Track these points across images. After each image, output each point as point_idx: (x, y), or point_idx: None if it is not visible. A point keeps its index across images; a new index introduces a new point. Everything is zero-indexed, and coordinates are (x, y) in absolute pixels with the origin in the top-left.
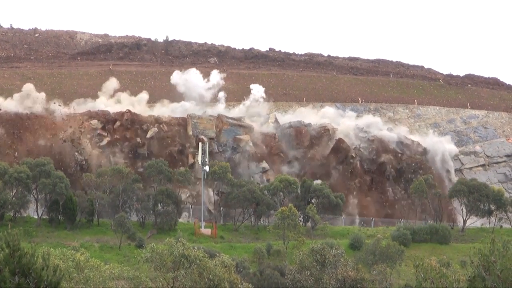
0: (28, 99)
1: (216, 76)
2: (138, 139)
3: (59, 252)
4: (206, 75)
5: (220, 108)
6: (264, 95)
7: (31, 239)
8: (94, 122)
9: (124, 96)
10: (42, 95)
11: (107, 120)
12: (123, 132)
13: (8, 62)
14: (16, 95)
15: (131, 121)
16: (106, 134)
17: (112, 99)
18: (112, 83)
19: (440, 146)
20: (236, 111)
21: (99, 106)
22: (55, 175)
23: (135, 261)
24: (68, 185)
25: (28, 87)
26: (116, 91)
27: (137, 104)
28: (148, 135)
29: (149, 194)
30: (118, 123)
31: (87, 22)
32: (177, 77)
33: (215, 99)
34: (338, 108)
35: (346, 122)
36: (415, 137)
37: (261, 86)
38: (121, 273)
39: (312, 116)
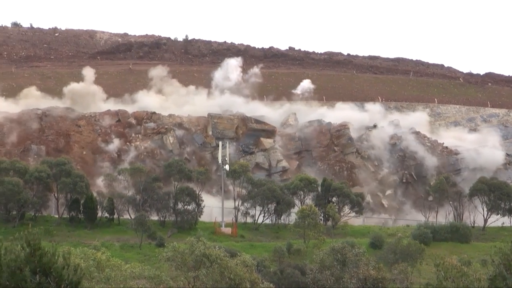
0: (86, 96)
1: (256, 71)
2: (158, 139)
3: (80, 251)
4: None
5: (263, 106)
6: (312, 92)
7: (52, 238)
8: (113, 122)
9: (177, 91)
10: (98, 90)
11: (128, 122)
12: (143, 132)
13: (28, 62)
14: (70, 89)
15: (152, 121)
16: (125, 134)
17: (160, 96)
18: (159, 70)
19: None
20: (282, 110)
21: (147, 104)
22: (75, 174)
23: (156, 260)
24: (88, 184)
25: (89, 72)
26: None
27: (190, 100)
28: (170, 141)
29: (169, 192)
30: (137, 123)
31: (106, 21)
32: (217, 73)
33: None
34: (385, 107)
35: (385, 126)
36: (446, 139)
37: (311, 82)
38: (142, 272)
39: (354, 113)
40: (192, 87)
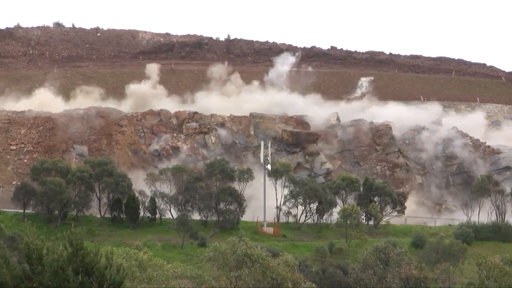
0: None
1: (308, 70)
2: (200, 139)
3: (122, 251)
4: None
5: (312, 104)
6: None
7: (94, 238)
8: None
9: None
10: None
11: (170, 122)
12: (185, 132)
13: (70, 62)
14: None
15: (194, 121)
16: (167, 133)
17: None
18: (218, 69)
19: None
20: (333, 108)
21: (207, 104)
22: (117, 174)
23: (198, 260)
24: (130, 184)
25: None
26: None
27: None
28: (212, 140)
29: (211, 192)
30: (179, 122)
31: (148, 21)
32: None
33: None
34: (445, 106)
35: (427, 125)
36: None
37: (367, 80)
38: (184, 272)
39: (410, 113)
40: (255, 83)
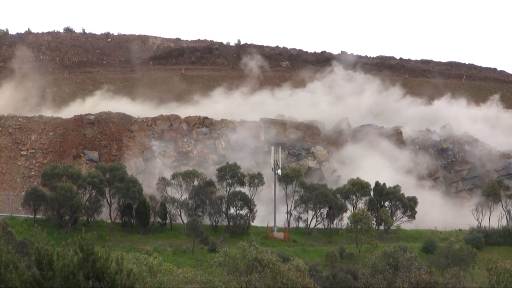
0: None
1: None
2: (210, 144)
3: (133, 256)
4: (281, 79)
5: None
6: None
7: (105, 243)
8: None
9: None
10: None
11: (180, 127)
12: (195, 137)
13: (81, 67)
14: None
15: (205, 126)
16: (178, 138)
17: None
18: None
19: None
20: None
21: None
22: (128, 179)
23: (208, 265)
24: (141, 189)
25: None
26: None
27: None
28: (223, 145)
29: (222, 197)
30: (189, 128)
31: (159, 27)
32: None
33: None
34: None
35: (438, 130)
36: None
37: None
38: (195, 277)
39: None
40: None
